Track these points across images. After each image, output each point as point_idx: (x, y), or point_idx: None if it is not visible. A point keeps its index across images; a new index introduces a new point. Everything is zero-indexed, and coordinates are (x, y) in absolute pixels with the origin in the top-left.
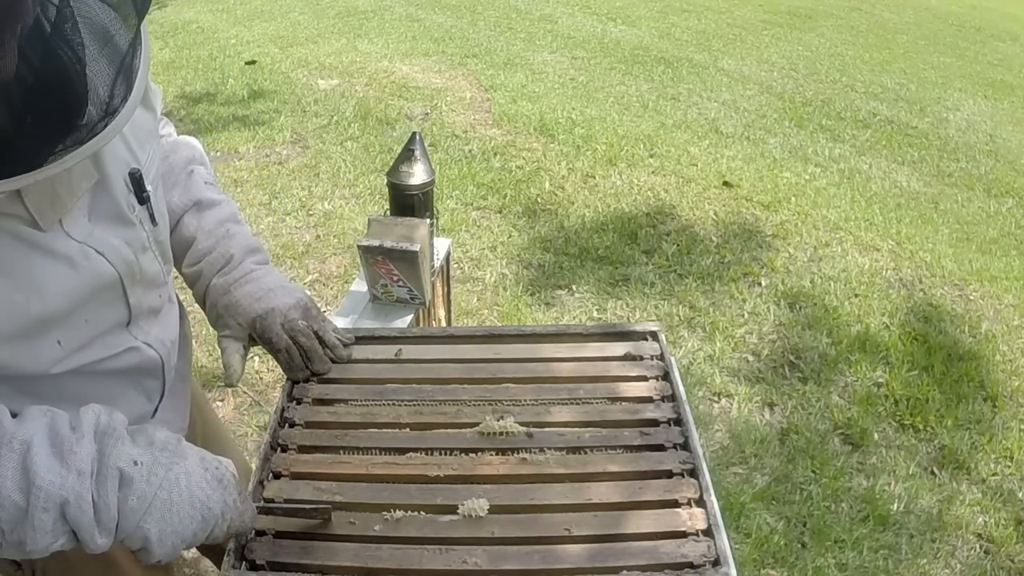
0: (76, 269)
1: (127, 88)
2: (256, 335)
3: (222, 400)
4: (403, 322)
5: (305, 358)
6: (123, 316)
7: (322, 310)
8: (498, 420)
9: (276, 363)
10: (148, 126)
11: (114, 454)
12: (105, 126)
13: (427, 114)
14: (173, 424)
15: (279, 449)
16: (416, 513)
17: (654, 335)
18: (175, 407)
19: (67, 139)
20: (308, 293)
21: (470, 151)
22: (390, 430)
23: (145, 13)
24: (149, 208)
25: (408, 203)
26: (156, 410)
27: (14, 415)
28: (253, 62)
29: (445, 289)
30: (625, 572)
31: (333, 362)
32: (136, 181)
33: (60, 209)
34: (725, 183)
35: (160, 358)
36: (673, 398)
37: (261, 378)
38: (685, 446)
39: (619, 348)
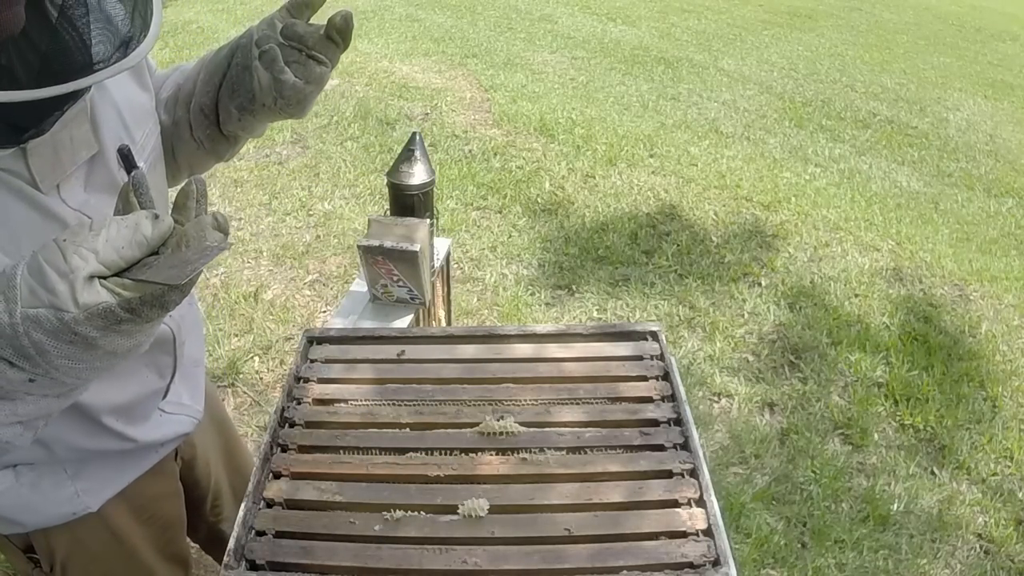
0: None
1: (146, 19)
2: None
3: (222, 400)
4: (403, 322)
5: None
6: None
7: (322, 310)
8: (498, 420)
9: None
10: (145, 105)
11: None
12: (127, 53)
13: (427, 114)
14: (189, 408)
15: (279, 449)
16: (416, 513)
17: (654, 335)
18: (190, 390)
19: (95, 59)
20: None
21: (470, 151)
22: (390, 430)
23: None
24: None
25: (408, 203)
26: (168, 388)
27: None
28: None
29: (445, 289)
30: (625, 572)
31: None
32: (124, 157)
33: (60, 173)
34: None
35: (171, 331)
36: (673, 398)
37: (261, 378)
38: (685, 446)
39: (619, 348)
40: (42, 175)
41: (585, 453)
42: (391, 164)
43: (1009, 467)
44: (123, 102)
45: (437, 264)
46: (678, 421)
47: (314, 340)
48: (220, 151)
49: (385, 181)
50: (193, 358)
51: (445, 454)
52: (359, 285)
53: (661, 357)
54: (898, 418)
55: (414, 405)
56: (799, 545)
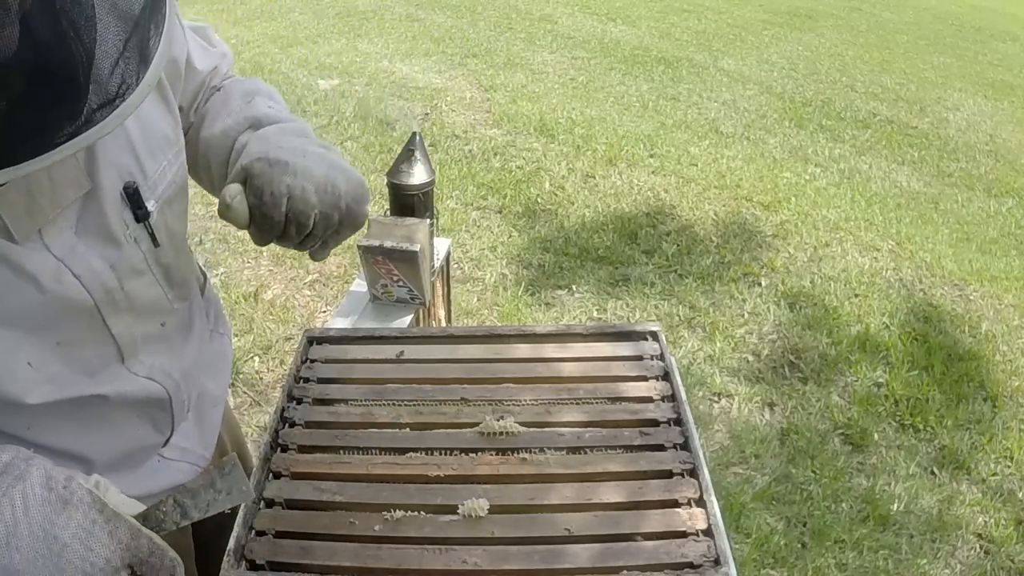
0: (42, 291)
1: (136, 72)
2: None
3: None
4: (403, 322)
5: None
6: (110, 349)
7: (322, 310)
8: (498, 420)
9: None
10: (166, 132)
11: None
12: (103, 118)
13: (427, 114)
14: (191, 453)
15: (279, 449)
16: (416, 513)
17: (654, 335)
18: (201, 433)
19: (51, 131)
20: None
21: (470, 151)
22: (390, 430)
23: None
24: (148, 227)
25: (408, 203)
26: (168, 440)
27: None
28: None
29: (445, 289)
30: (625, 572)
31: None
32: (131, 196)
33: (40, 219)
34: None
35: (166, 391)
36: (673, 398)
37: (261, 378)
38: (685, 446)
39: (619, 348)
40: (16, 223)
41: (585, 453)
42: (391, 164)
43: (1009, 467)
44: (138, 128)
45: (437, 264)
46: (678, 421)
47: (314, 340)
48: None
49: (385, 181)
50: (212, 397)
51: (445, 454)
52: (359, 285)
53: (661, 357)
54: (898, 418)
55: (414, 405)
56: (799, 545)
